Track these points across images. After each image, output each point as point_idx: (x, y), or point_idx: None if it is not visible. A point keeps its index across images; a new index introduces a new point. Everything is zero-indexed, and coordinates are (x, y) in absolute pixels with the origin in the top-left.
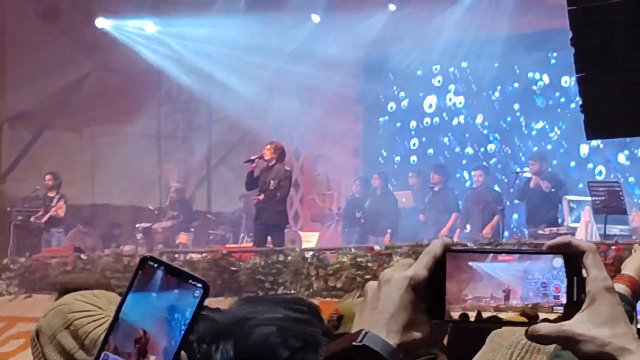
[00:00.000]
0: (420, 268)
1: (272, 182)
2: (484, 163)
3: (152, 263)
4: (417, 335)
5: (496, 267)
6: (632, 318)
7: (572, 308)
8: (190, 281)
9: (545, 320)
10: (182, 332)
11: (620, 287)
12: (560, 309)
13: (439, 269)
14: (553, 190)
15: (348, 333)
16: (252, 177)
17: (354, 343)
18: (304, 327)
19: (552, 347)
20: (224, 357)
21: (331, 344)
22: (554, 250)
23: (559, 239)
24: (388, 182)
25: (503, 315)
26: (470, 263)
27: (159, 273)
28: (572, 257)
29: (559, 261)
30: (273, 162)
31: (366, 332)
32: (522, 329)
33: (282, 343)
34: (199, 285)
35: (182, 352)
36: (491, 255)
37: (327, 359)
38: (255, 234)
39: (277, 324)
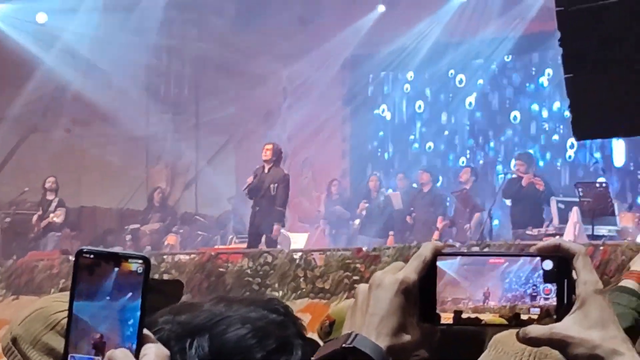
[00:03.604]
0: (410, 272)
1: (271, 186)
2: (471, 164)
3: (87, 255)
4: (407, 338)
5: (476, 269)
6: None
7: (562, 310)
8: (129, 260)
9: (527, 321)
10: (138, 312)
11: (630, 283)
12: (537, 311)
13: (429, 272)
14: (544, 191)
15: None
16: (252, 189)
17: (343, 345)
18: (279, 329)
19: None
20: (198, 353)
21: (322, 346)
22: (544, 252)
23: (549, 241)
24: (382, 183)
25: (482, 317)
26: (450, 266)
27: (98, 262)
28: (562, 259)
29: (549, 263)
30: (271, 164)
31: (356, 335)
32: None
33: (257, 343)
34: (140, 261)
35: (145, 330)
36: (474, 257)
37: None
38: (249, 236)
39: (252, 324)
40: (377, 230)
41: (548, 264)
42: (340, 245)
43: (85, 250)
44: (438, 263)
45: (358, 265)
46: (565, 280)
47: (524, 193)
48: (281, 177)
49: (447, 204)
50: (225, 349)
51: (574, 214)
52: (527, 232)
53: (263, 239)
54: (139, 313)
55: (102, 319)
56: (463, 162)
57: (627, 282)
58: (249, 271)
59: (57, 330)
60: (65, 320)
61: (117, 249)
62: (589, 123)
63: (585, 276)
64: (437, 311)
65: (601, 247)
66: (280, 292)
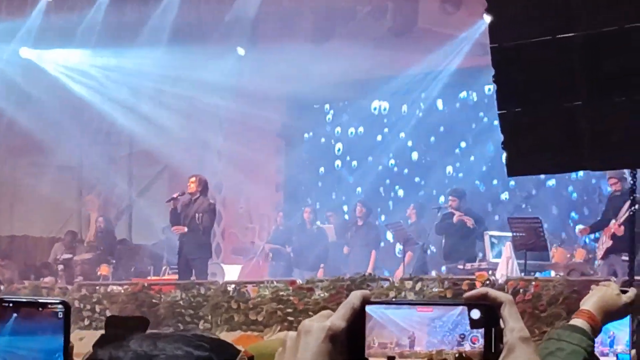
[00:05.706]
0: (338, 319)
1: (196, 215)
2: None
3: (6, 304)
4: None
5: (402, 314)
6: (592, 353)
7: (490, 358)
8: (49, 306)
9: None
10: (62, 354)
11: (580, 322)
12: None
13: (358, 320)
14: (475, 226)
15: None
16: (176, 214)
17: None
18: None
19: None
20: None
21: None
22: (471, 301)
23: (477, 290)
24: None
25: None
26: (377, 310)
27: (17, 310)
28: (490, 308)
29: (476, 312)
30: (197, 195)
31: None
32: None
33: None
34: (59, 306)
35: None
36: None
37: None
38: (179, 267)
39: None
40: (311, 263)
41: (475, 313)
42: (279, 277)
43: (5, 299)
44: (367, 308)
45: (291, 298)
46: (493, 328)
47: (456, 228)
48: (206, 207)
49: (381, 237)
50: None
51: (507, 249)
52: (460, 266)
53: (194, 271)
54: (62, 354)
55: None
56: (400, 195)
57: (578, 321)
58: (181, 302)
59: None
60: None
61: (48, 280)
62: (522, 159)
63: (512, 324)
64: (365, 356)
65: (533, 282)
66: (213, 324)
